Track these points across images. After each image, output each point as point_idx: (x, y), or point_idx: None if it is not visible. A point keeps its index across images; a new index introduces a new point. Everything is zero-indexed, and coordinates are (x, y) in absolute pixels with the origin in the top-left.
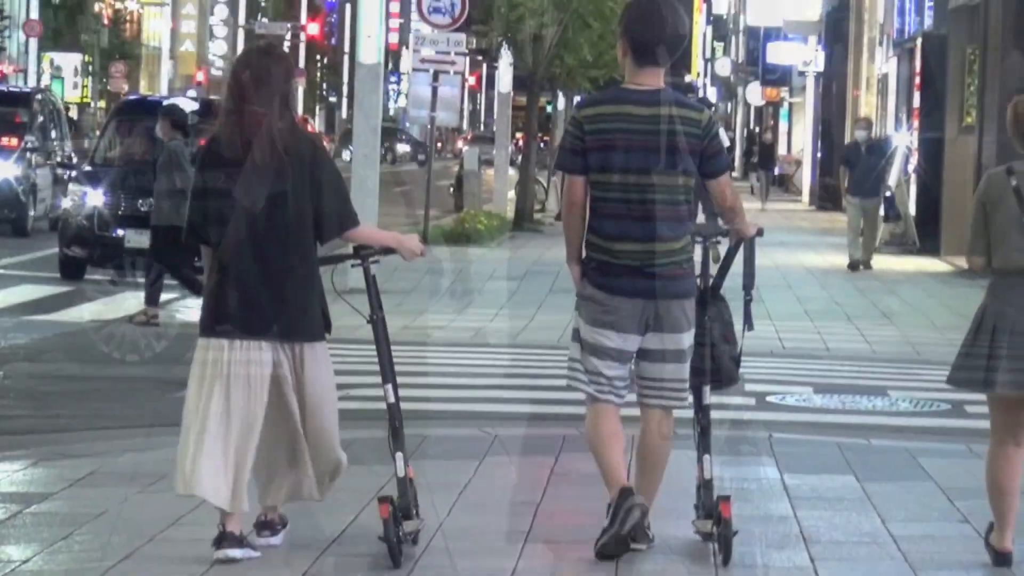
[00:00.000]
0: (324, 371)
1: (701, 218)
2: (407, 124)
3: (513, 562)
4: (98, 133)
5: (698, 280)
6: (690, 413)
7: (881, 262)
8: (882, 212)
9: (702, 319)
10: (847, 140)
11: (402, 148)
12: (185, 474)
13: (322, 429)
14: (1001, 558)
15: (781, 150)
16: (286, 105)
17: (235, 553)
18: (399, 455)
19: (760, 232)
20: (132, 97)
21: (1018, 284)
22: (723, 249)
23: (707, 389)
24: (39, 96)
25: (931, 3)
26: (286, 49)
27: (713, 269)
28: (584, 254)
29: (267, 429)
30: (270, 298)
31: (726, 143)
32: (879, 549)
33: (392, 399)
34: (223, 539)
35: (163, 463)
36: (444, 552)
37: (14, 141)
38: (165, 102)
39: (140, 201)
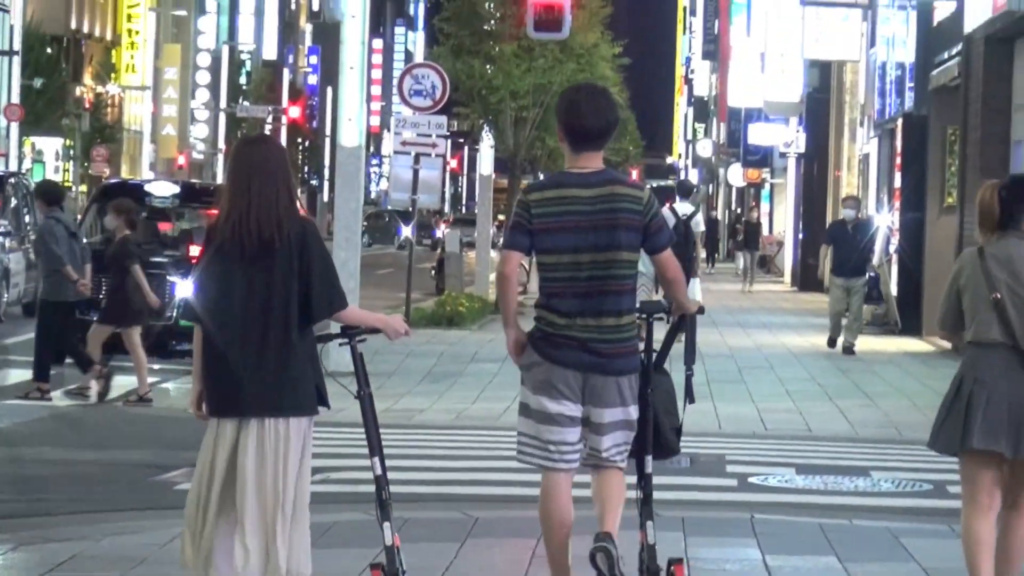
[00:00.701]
0: (303, 451)
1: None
2: (388, 207)
3: None
4: (79, 216)
5: (642, 355)
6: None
7: (863, 342)
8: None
9: (645, 392)
10: (829, 220)
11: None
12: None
13: (296, 514)
14: None
15: (763, 231)
16: (288, 190)
17: None
18: (387, 524)
19: (701, 310)
20: (113, 181)
21: (990, 355)
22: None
23: (648, 458)
24: (12, 180)
25: (912, 84)
26: (267, 132)
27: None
28: (534, 324)
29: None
30: (258, 374)
31: (701, 228)
32: None
33: (379, 471)
34: None
35: (144, 547)
36: None
37: None
38: (147, 185)
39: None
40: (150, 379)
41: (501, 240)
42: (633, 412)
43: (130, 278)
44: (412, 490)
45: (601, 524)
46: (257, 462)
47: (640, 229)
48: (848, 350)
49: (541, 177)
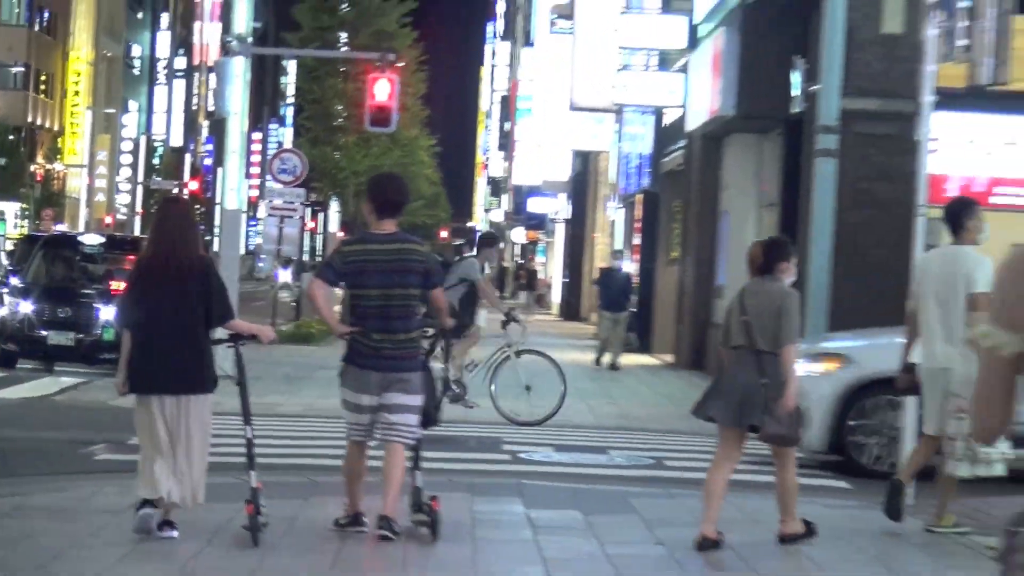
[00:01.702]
0: (206, 417)
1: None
2: (262, 256)
3: (335, 545)
4: (30, 259)
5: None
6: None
7: (607, 357)
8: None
9: (427, 384)
10: (586, 270)
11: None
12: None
13: (199, 459)
14: (705, 542)
15: (539, 276)
16: (192, 237)
17: (170, 533)
18: (252, 473)
19: (454, 323)
20: (54, 233)
21: (737, 353)
22: None
23: (420, 430)
24: None
25: (648, 169)
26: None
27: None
28: (349, 334)
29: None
30: (175, 364)
31: (487, 273)
32: (597, 564)
33: (250, 435)
34: (166, 524)
35: (71, 500)
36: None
37: None
38: (80, 236)
39: (59, 309)
40: (79, 380)
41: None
42: (419, 399)
43: None
44: (272, 461)
45: (383, 504)
46: (182, 425)
47: (422, 273)
48: (614, 367)
49: None
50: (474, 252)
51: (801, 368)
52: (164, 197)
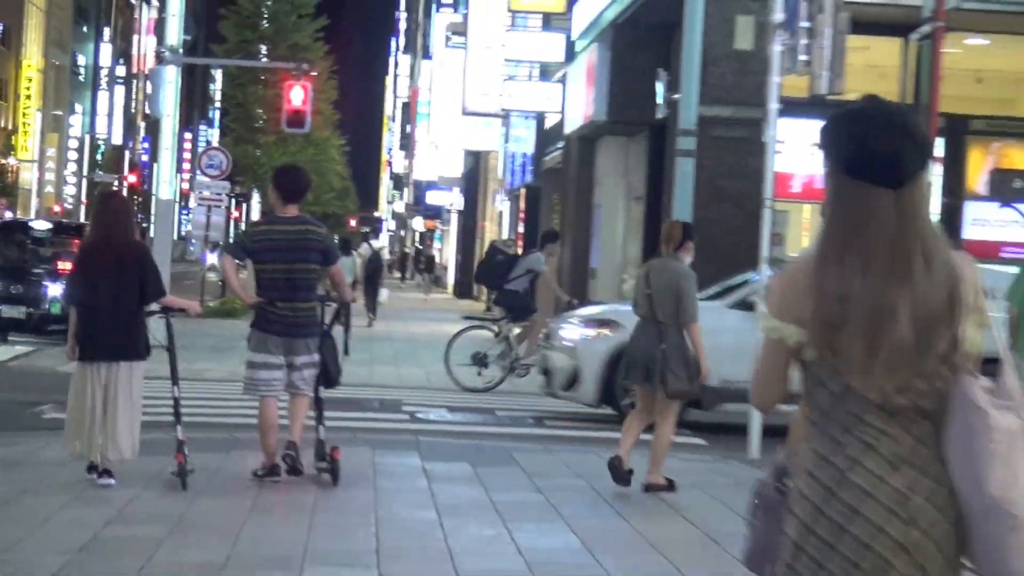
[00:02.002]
0: (139, 381)
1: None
2: (192, 240)
3: (254, 491)
4: None
5: (324, 324)
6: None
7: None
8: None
9: (320, 348)
10: (478, 255)
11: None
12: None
13: (133, 418)
14: (615, 459)
15: (436, 260)
16: (129, 225)
17: (108, 480)
18: (179, 426)
19: (354, 299)
20: (7, 220)
21: (642, 323)
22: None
23: (321, 388)
24: None
25: (531, 166)
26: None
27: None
28: (258, 305)
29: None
30: (114, 335)
31: (387, 257)
32: (484, 509)
33: (177, 395)
34: (105, 472)
35: (22, 453)
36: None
37: None
38: (31, 222)
39: (12, 287)
40: (30, 349)
41: None
42: (316, 358)
43: None
44: (199, 420)
45: (291, 435)
46: (119, 388)
47: (321, 251)
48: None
49: None
50: (535, 249)
51: (577, 332)
52: (102, 191)
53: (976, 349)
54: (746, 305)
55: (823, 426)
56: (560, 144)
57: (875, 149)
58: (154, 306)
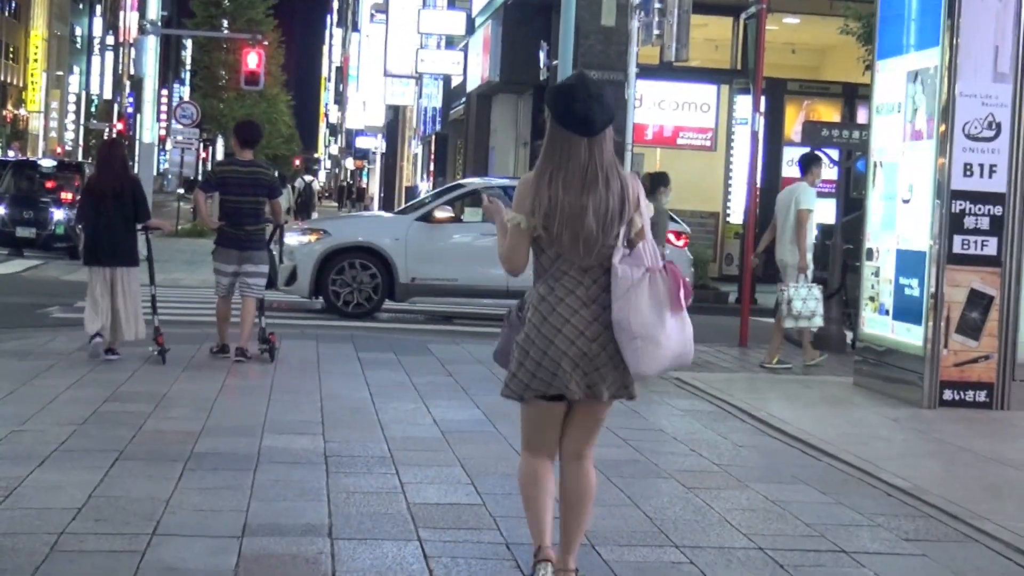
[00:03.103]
0: (136, 281)
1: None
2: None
3: (223, 371)
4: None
5: (270, 242)
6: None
7: None
8: None
9: (269, 259)
10: (397, 188)
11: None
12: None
13: (136, 308)
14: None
15: (366, 194)
16: (125, 165)
17: (113, 356)
18: (155, 317)
19: (286, 222)
20: (21, 159)
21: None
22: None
23: (265, 290)
24: None
25: (440, 118)
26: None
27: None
28: (219, 228)
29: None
30: (115, 247)
31: (317, 188)
32: (405, 389)
33: (154, 292)
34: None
35: (35, 344)
36: (191, 369)
37: None
38: (39, 160)
39: (24, 212)
40: (39, 262)
41: None
42: (264, 268)
43: None
44: (172, 319)
45: (240, 339)
46: (122, 287)
47: (267, 187)
48: None
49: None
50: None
51: (295, 239)
52: (105, 140)
53: (638, 227)
54: (427, 218)
55: (544, 277)
56: (463, 100)
57: (575, 111)
58: (137, 225)
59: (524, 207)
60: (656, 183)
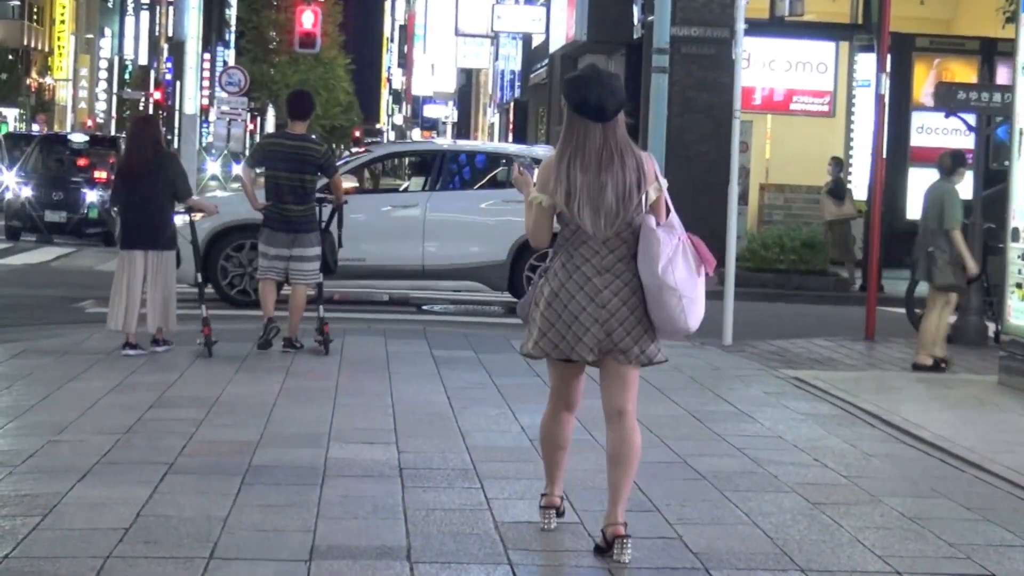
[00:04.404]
0: (169, 267)
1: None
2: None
3: (282, 377)
4: (27, 154)
5: (321, 223)
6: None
7: None
8: None
9: (320, 242)
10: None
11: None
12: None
13: (164, 297)
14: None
15: None
16: (157, 144)
17: (132, 352)
18: (204, 306)
19: (345, 201)
20: (49, 133)
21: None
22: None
23: (321, 275)
24: None
25: (519, 83)
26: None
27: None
28: (265, 209)
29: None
30: (144, 228)
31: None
32: (486, 389)
33: (201, 280)
34: (126, 345)
35: (68, 343)
36: (243, 376)
37: None
38: (70, 135)
39: (53, 193)
40: (71, 250)
41: None
42: (316, 251)
43: None
44: (221, 313)
45: (289, 329)
46: (155, 273)
47: (317, 164)
48: None
49: None
50: None
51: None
52: (138, 116)
53: (652, 199)
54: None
55: (566, 247)
56: (545, 62)
57: (590, 100)
58: (180, 207)
59: (547, 188)
60: (956, 163)
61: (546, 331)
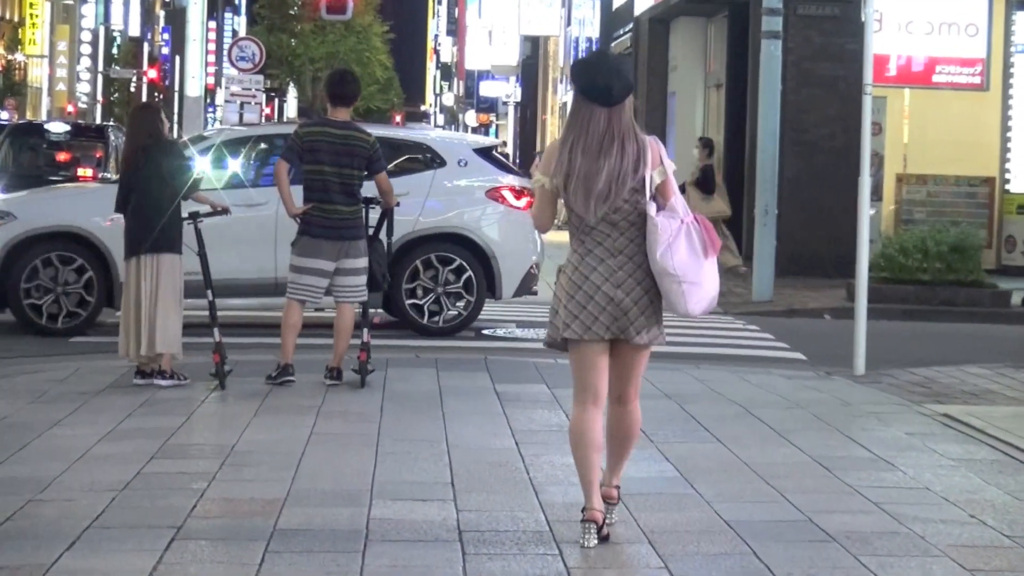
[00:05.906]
0: (169, 274)
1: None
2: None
3: (311, 420)
4: None
5: (370, 229)
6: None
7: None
8: None
9: (368, 252)
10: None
11: None
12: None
13: (161, 311)
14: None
15: None
16: (154, 133)
17: (140, 381)
18: (216, 329)
19: (398, 203)
20: (21, 122)
21: None
22: None
23: (366, 291)
24: None
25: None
26: (132, 89)
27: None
28: (304, 213)
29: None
30: (139, 230)
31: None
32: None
33: (211, 298)
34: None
35: (46, 380)
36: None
37: None
38: (46, 124)
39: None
40: None
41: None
42: (363, 262)
43: None
44: (236, 342)
45: (333, 358)
46: (147, 279)
47: (365, 158)
48: None
49: None
50: None
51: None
52: (138, 104)
53: (657, 183)
54: None
55: (576, 233)
56: (629, 27)
57: (597, 83)
58: (187, 212)
59: (549, 170)
60: None
61: (564, 317)
